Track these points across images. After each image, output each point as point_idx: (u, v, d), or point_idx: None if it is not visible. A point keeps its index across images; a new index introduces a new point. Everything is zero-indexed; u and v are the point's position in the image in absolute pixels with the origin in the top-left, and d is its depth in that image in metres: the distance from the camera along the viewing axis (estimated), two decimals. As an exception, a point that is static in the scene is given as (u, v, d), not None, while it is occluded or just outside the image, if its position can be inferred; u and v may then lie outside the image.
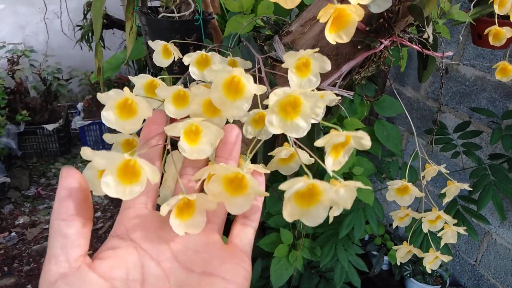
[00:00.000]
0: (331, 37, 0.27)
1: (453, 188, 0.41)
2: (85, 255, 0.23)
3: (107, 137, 0.31)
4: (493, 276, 1.25)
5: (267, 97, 0.24)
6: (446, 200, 0.42)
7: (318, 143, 0.23)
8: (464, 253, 1.36)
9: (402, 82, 1.59)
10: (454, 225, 0.42)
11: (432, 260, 0.43)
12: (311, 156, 0.28)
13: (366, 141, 0.23)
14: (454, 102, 1.35)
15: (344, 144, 0.24)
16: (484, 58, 1.22)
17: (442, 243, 0.41)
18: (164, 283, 0.23)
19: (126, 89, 0.25)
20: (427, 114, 1.48)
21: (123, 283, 0.23)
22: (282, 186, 0.21)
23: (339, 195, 0.22)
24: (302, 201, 0.22)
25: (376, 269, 1.37)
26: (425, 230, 0.40)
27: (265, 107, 0.32)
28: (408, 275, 1.40)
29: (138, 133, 0.29)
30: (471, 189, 0.60)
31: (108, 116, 0.26)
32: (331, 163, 0.24)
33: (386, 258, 1.44)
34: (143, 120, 0.27)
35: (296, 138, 0.28)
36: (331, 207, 0.23)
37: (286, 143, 0.30)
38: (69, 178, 0.23)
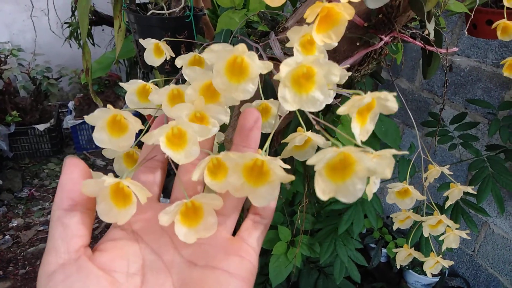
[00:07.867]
0: (319, 38, 0.25)
1: (456, 191, 0.40)
2: (86, 247, 0.22)
3: (106, 153, 0.30)
4: (491, 266, 1.26)
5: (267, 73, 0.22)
6: (449, 203, 0.40)
7: (341, 110, 0.20)
8: (462, 243, 1.37)
9: (397, 74, 1.58)
10: (454, 228, 0.41)
11: (432, 265, 0.42)
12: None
13: (392, 103, 0.20)
14: (450, 93, 1.34)
15: (369, 107, 0.21)
16: (478, 48, 1.21)
17: (443, 247, 0.40)
18: (166, 277, 0.22)
19: (109, 106, 0.24)
20: (422, 105, 1.47)
21: (124, 276, 0.22)
22: (310, 161, 0.19)
23: (375, 163, 0.19)
24: (335, 175, 0.19)
25: (374, 261, 1.37)
26: (425, 234, 0.39)
27: (269, 96, 0.30)
28: (407, 267, 1.41)
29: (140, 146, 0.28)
30: (475, 193, 0.59)
31: (100, 137, 0.25)
32: (359, 131, 0.21)
33: (384, 250, 1.44)
34: (135, 134, 0.26)
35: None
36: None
37: (299, 128, 0.28)
38: (72, 167, 0.22)
